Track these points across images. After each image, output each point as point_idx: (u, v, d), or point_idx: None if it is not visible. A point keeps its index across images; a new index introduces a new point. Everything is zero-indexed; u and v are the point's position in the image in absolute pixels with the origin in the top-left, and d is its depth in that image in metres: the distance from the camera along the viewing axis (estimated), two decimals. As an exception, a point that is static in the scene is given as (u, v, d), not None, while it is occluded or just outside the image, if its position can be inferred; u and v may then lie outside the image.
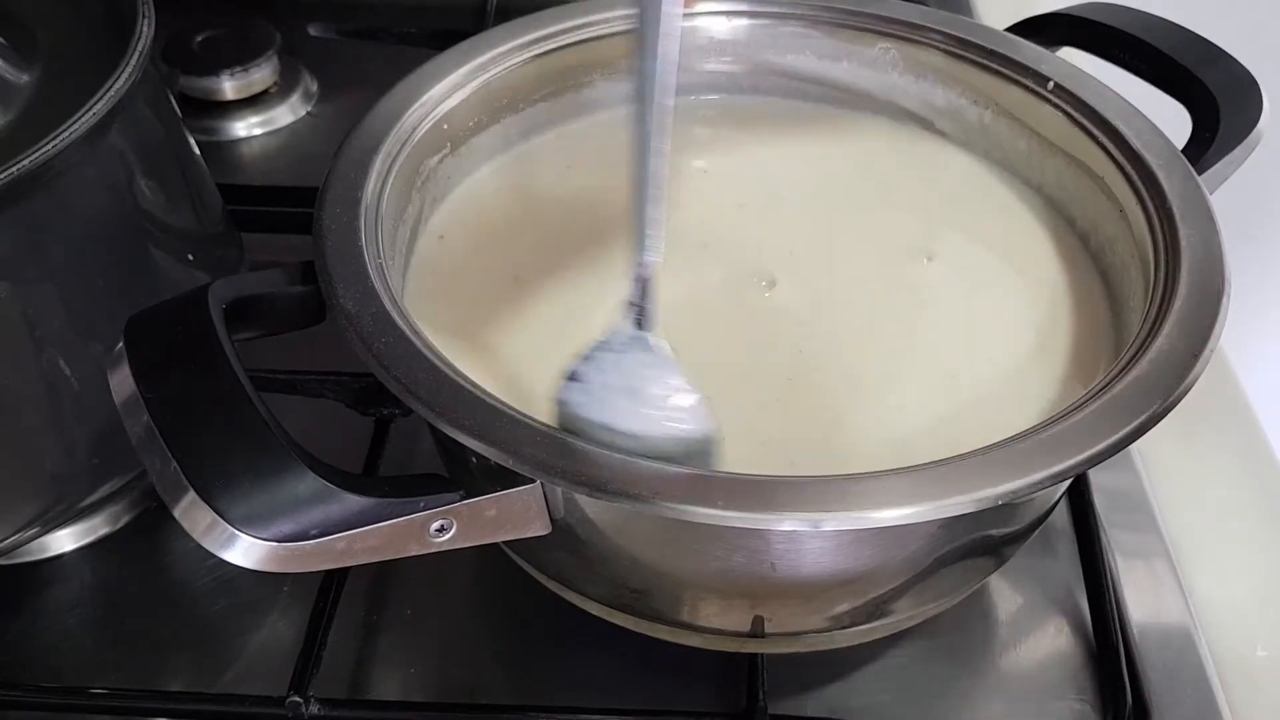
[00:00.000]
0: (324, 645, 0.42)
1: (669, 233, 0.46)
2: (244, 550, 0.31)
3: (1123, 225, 0.43)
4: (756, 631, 0.39)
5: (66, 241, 0.39)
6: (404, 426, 0.49)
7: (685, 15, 0.49)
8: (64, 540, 0.48)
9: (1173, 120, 0.45)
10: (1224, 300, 0.37)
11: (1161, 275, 0.39)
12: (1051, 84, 0.46)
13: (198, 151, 0.49)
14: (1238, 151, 0.43)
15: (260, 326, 0.38)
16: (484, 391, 0.34)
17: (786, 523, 0.32)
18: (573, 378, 0.34)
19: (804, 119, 0.52)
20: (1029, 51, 0.48)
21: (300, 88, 0.71)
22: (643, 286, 0.35)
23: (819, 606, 0.39)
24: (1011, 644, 0.45)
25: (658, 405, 0.34)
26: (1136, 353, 0.35)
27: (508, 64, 0.47)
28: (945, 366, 0.41)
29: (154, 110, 0.44)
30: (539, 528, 0.35)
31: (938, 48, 0.49)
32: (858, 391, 0.40)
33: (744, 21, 0.50)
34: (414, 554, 0.33)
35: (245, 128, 0.69)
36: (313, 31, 0.76)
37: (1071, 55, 0.49)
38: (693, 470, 0.32)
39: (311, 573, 0.34)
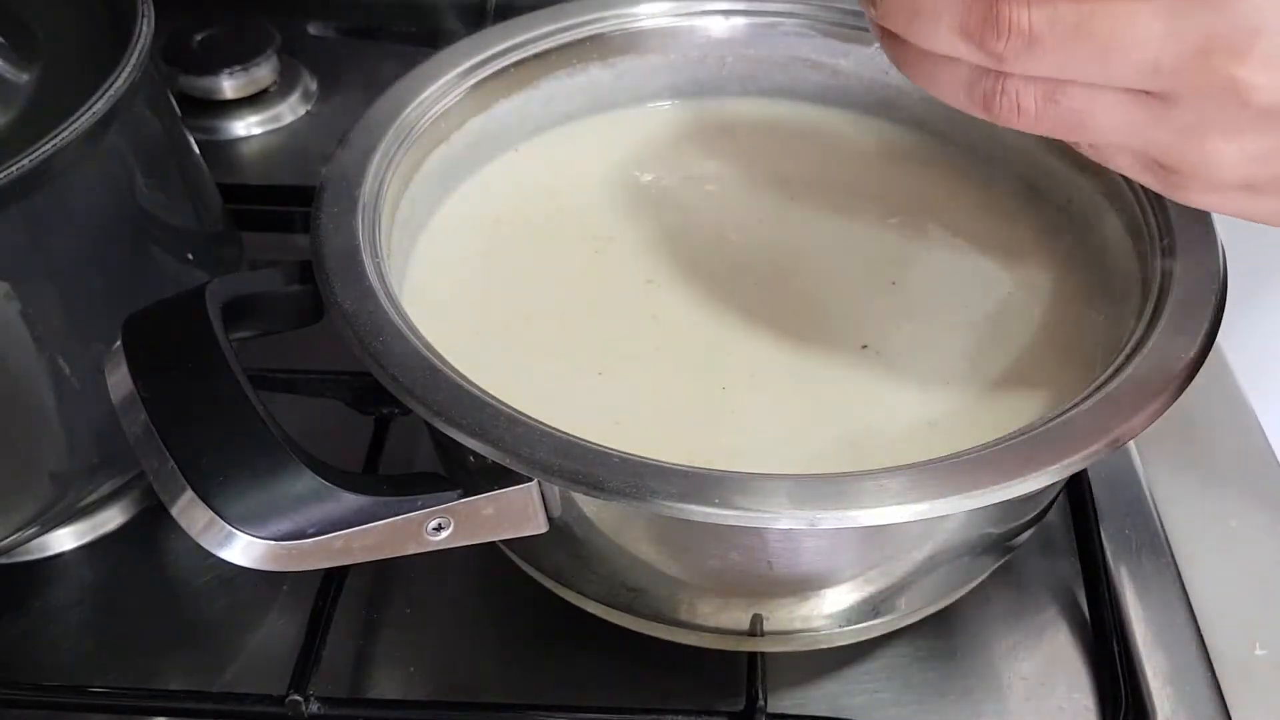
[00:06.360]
0: (324, 644, 0.42)
1: (671, 240, 0.47)
2: (241, 549, 0.31)
3: (1119, 222, 0.43)
4: (755, 630, 0.39)
5: (66, 241, 0.39)
6: (404, 425, 0.49)
7: (682, 15, 0.50)
8: (64, 539, 0.48)
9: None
10: (1221, 298, 0.37)
11: (1158, 272, 0.38)
12: (1050, 82, 0.46)
13: (197, 150, 0.49)
14: (1236, 149, 0.43)
15: (258, 325, 0.38)
16: (481, 390, 0.34)
17: (783, 521, 0.31)
18: None
19: (801, 117, 0.52)
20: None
21: (300, 87, 0.71)
22: None
23: (817, 604, 0.39)
24: (1010, 642, 0.45)
25: None
26: (1133, 350, 0.35)
27: (506, 63, 0.47)
28: (940, 365, 0.41)
29: (153, 109, 0.44)
30: (536, 526, 0.35)
31: (936, 46, 0.49)
32: (853, 390, 0.40)
33: (741, 20, 0.50)
34: (412, 553, 0.33)
35: (245, 127, 0.69)
36: (312, 30, 0.76)
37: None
38: (689, 468, 0.32)
39: (311, 571, 0.34)
